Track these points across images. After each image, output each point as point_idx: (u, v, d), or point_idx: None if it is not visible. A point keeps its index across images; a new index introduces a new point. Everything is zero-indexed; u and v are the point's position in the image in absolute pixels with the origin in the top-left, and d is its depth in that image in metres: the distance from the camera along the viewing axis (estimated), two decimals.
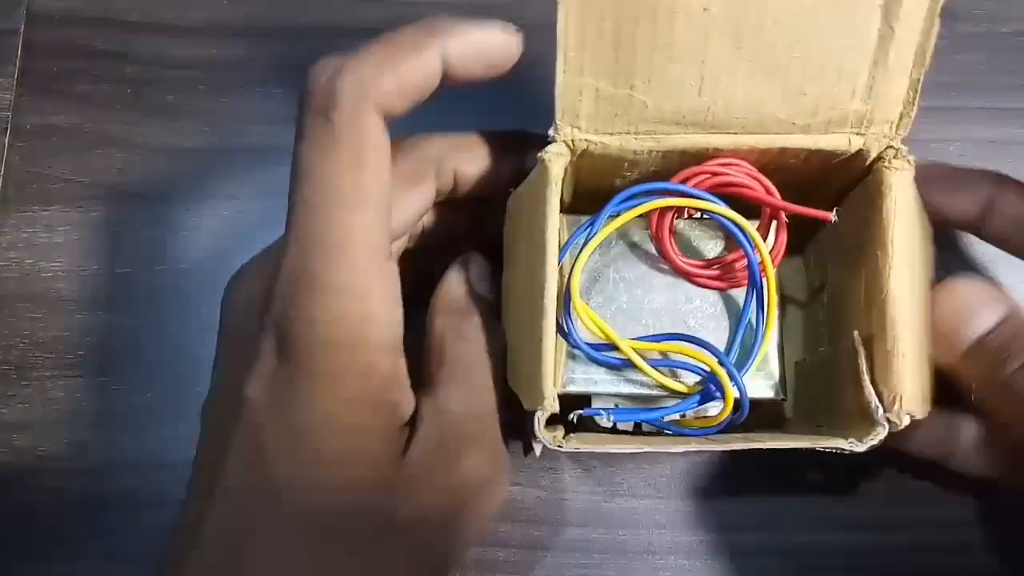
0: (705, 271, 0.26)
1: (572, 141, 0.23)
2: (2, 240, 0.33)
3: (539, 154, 0.23)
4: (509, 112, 0.33)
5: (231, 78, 0.34)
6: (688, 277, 0.26)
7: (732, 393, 0.23)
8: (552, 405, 0.22)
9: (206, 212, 0.33)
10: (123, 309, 0.32)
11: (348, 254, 0.20)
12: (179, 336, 0.32)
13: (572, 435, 0.24)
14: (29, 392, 0.31)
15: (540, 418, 0.21)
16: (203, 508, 0.21)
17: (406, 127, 0.33)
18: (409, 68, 0.20)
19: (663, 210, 0.24)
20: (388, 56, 0.20)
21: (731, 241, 0.25)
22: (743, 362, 0.25)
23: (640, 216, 0.25)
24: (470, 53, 0.21)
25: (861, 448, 0.22)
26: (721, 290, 0.26)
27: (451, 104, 0.33)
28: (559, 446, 0.22)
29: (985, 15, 0.34)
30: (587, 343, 0.24)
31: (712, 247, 0.26)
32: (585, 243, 0.23)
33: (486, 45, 0.21)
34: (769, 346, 0.25)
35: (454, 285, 0.25)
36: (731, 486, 0.30)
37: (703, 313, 0.26)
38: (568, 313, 0.24)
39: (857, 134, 0.23)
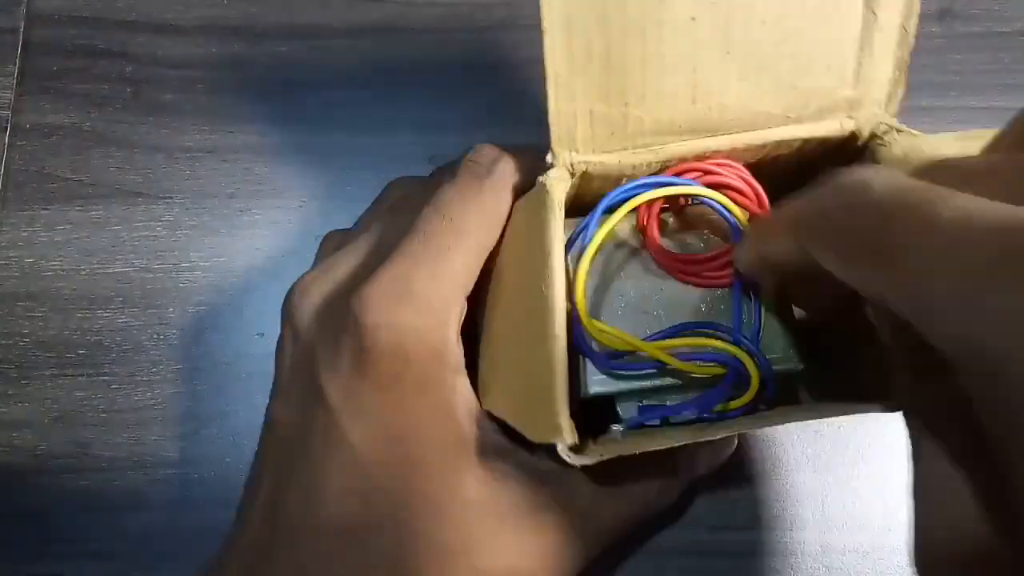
0: (695, 267, 0.25)
1: (572, 164, 0.22)
2: (2, 239, 0.33)
3: (539, 178, 0.22)
4: (509, 113, 0.33)
5: (230, 78, 0.34)
6: (677, 273, 0.25)
7: (756, 372, 0.23)
8: (572, 437, 0.20)
9: (206, 211, 0.33)
10: (123, 309, 0.32)
11: (446, 280, 0.23)
12: (179, 336, 0.32)
13: (601, 439, 0.23)
14: (29, 391, 0.31)
15: (563, 449, 0.20)
16: (274, 496, 0.24)
17: (411, 122, 0.34)
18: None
19: (648, 205, 0.24)
20: (535, 158, 0.25)
21: (721, 241, 0.25)
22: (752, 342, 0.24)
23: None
24: None
25: (898, 410, 0.21)
26: (713, 287, 0.25)
27: (451, 103, 0.34)
28: (601, 455, 0.21)
29: (985, 15, 0.34)
30: (606, 354, 0.23)
31: (702, 248, 0.26)
32: (579, 257, 0.23)
33: None
34: (772, 322, 0.24)
35: None
36: (730, 486, 0.30)
37: (713, 297, 0.25)
38: (580, 331, 0.23)
39: (848, 117, 0.23)
